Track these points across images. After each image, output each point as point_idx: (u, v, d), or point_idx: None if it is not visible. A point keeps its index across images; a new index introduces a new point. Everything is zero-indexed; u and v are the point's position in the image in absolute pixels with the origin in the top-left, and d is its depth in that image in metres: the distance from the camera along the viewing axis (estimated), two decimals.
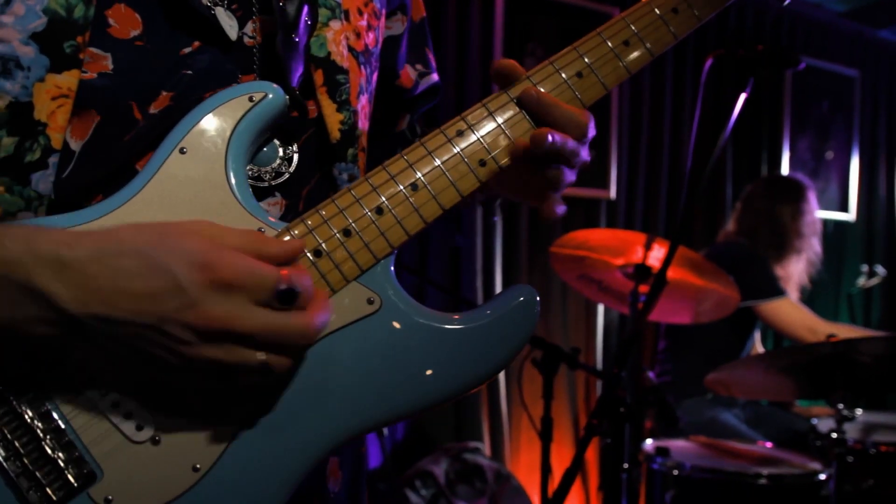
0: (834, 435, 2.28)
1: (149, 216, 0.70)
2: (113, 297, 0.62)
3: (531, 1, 3.98)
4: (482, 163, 0.81)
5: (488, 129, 0.82)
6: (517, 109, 0.83)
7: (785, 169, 4.88)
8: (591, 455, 3.86)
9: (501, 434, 3.68)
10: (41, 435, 0.67)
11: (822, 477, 2.29)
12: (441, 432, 3.47)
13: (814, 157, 5.10)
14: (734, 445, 2.66)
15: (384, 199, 0.77)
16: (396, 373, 0.75)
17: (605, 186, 4.09)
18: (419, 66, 1.10)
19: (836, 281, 5.21)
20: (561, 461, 3.54)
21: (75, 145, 0.72)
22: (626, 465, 2.18)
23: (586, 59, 0.85)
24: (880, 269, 4.64)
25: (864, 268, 4.77)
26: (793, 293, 3.27)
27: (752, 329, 3.21)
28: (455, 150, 0.80)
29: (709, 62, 1.95)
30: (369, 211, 0.77)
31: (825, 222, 5.17)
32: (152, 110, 0.74)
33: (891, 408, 4.24)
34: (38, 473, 0.67)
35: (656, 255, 2.28)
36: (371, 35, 0.94)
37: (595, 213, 4.06)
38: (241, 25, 0.80)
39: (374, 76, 0.96)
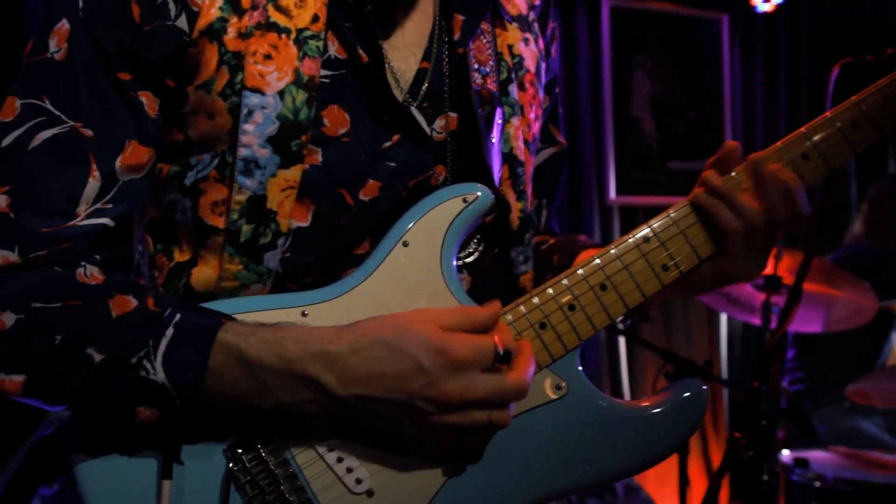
0: None
1: (380, 301, 0.84)
2: (370, 381, 0.77)
3: (637, 12, 4.00)
4: (665, 268, 0.89)
5: (671, 234, 0.91)
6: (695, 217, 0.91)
7: None
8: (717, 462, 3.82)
9: None
10: (280, 480, 0.81)
11: None
12: None
13: None
14: (878, 456, 2.59)
15: (577, 296, 0.87)
16: (579, 451, 0.85)
17: None
18: (541, 144, 1.15)
19: None
20: (692, 473, 3.52)
21: (299, 225, 0.86)
22: (765, 478, 2.18)
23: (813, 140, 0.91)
24: None
25: None
26: None
27: (888, 332, 3.11)
28: (641, 255, 0.89)
29: (835, 71, 1.94)
30: (563, 307, 0.87)
31: None
32: (363, 197, 0.87)
33: None
34: None
35: (786, 266, 2.27)
36: (537, 125, 1.04)
37: None
38: (430, 122, 0.91)
39: (535, 160, 1.06)
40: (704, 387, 0.88)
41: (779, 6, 4.21)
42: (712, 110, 4.15)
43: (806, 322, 2.77)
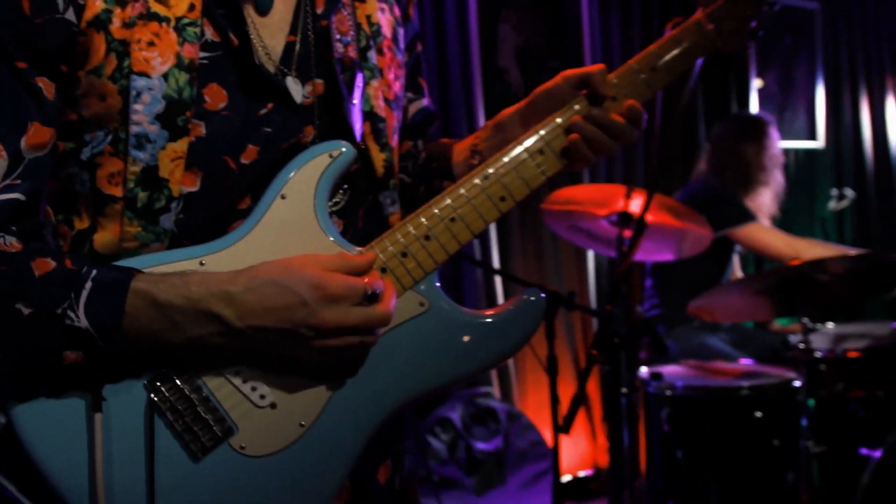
0: (801, 346, 2.58)
1: (265, 247, 0.96)
2: (262, 314, 0.90)
3: None
4: (502, 199, 1.06)
5: (506, 171, 1.07)
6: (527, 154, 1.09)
7: (754, 104, 5.13)
8: (594, 388, 4.18)
9: (509, 377, 3.98)
10: (196, 402, 0.94)
11: (797, 384, 2.59)
12: None
13: (781, 91, 5.34)
14: (719, 365, 2.96)
15: (431, 228, 1.03)
16: (442, 354, 1.02)
17: None
18: (409, 94, 1.30)
19: (809, 206, 5.50)
20: (567, 394, 3.85)
21: (189, 191, 0.97)
22: (624, 391, 2.48)
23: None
24: (849, 192, 4.93)
25: (834, 192, 5.05)
26: (764, 221, 3.55)
27: (729, 257, 3.49)
28: (482, 190, 1.05)
29: (669, 27, 2.17)
30: (420, 238, 1.02)
31: (796, 151, 5.45)
32: (243, 161, 0.99)
33: (865, 318, 4.57)
34: (195, 428, 0.93)
35: (637, 203, 2.53)
36: (398, 84, 1.17)
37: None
38: (301, 86, 1.03)
39: (401, 115, 1.19)
40: (542, 295, 1.06)
41: None
42: (573, 60, 4.36)
43: (659, 252, 3.09)
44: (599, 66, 1.14)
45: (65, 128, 0.95)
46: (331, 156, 1.00)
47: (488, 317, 1.04)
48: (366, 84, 1.09)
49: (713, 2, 1.14)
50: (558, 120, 1.11)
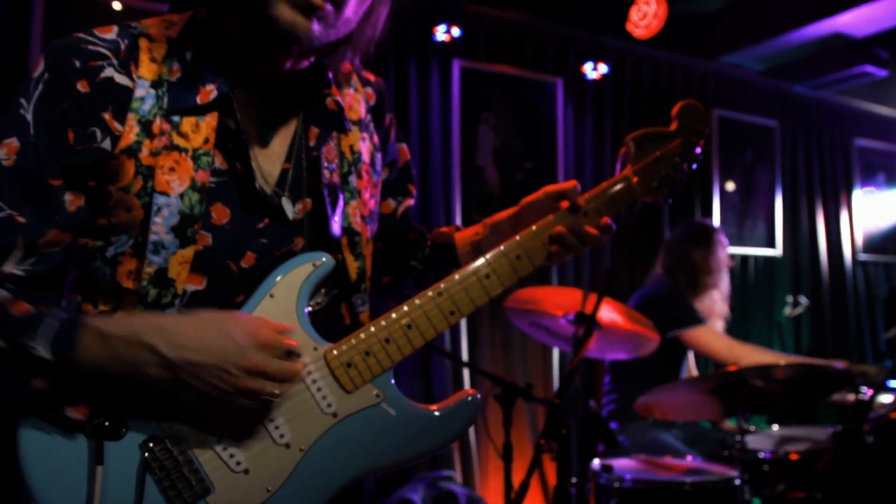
0: (738, 446, 2.76)
1: None
2: (197, 349, 1.05)
3: (484, 73, 4.47)
4: (451, 313, 1.24)
5: (456, 290, 1.24)
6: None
7: (716, 211, 5.44)
8: (553, 476, 4.30)
9: (471, 462, 4.10)
10: (181, 463, 1.10)
11: (738, 482, 2.76)
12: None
13: (742, 200, 5.67)
14: (668, 461, 3.12)
15: (391, 333, 1.21)
16: (393, 439, 1.19)
17: None
18: (399, 197, 1.52)
19: (768, 311, 5.76)
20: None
21: (194, 289, 1.15)
22: (574, 480, 2.63)
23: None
24: (803, 299, 5.20)
25: (789, 298, 5.32)
26: (718, 324, 3.77)
27: (682, 356, 3.68)
28: (435, 304, 1.23)
29: (623, 151, 2.43)
30: (381, 340, 1.20)
31: (755, 258, 5.74)
32: (243, 265, 1.18)
33: (816, 420, 4.75)
34: (179, 485, 1.09)
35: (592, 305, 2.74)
36: (373, 201, 1.36)
37: (547, 271, 4.57)
38: (293, 206, 1.23)
39: (375, 226, 1.38)
40: (479, 396, 1.24)
41: (605, 75, 4.86)
42: (547, 162, 4.66)
43: (613, 351, 3.29)
44: (572, 183, 1.35)
45: (96, 230, 1.14)
46: (314, 265, 1.19)
47: (433, 411, 1.22)
48: (346, 204, 1.28)
49: (642, 161, 1.36)
50: (524, 235, 1.30)
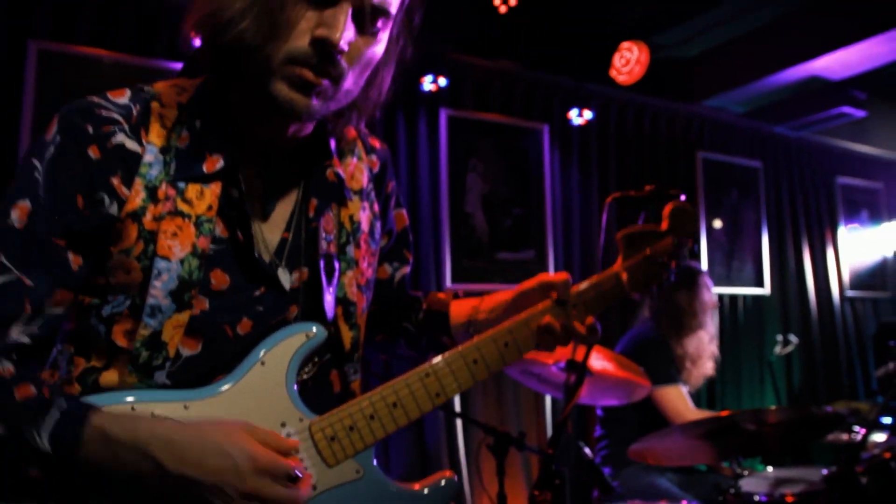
0: (732, 490, 2.75)
1: (240, 404, 1.14)
2: (197, 467, 1.04)
3: (471, 121, 4.54)
4: (437, 395, 1.24)
5: (443, 373, 1.25)
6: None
7: (704, 252, 5.49)
8: None
9: None
10: None
11: None
12: None
13: (728, 241, 5.73)
14: None
15: (376, 410, 1.21)
16: None
17: None
18: (395, 264, 1.54)
19: (758, 351, 5.78)
20: None
21: (189, 353, 1.15)
22: None
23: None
24: (793, 338, 5.22)
25: (779, 337, 5.34)
26: (707, 364, 3.77)
27: None
28: (421, 385, 1.23)
29: (608, 202, 2.47)
30: (366, 417, 1.20)
31: (744, 298, 5.78)
32: (239, 331, 1.18)
33: (805, 461, 4.73)
34: None
35: (584, 353, 2.75)
36: (370, 270, 1.38)
37: None
38: (289, 274, 1.24)
39: (370, 294, 1.40)
40: (455, 478, 1.24)
41: (590, 121, 4.94)
42: (535, 207, 4.71)
43: (606, 397, 3.29)
44: (564, 276, 1.35)
45: (93, 288, 1.15)
46: (307, 336, 1.20)
47: (409, 490, 1.22)
48: (342, 274, 1.30)
49: (632, 258, 1.39)
50: (514, 323, 1.31)
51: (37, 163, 1.11)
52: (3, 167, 3.25)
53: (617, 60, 4.83)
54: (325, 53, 1.08)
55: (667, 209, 1.41)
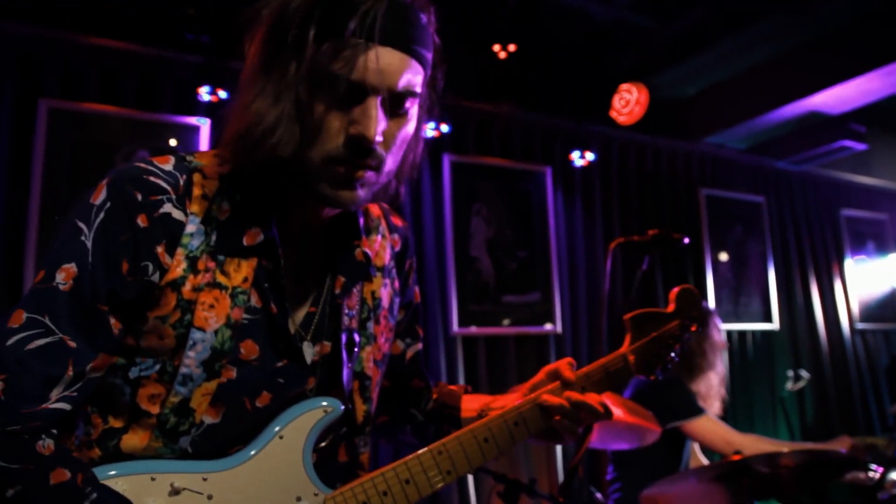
0: None
1: (259, 477, 1.15)
2: None
3: (473, 166, 4.59)
4: (448, 472, 1.25)
5: (455, 451, 1.26)
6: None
7: (710, 289, 5.48)
8: None
9: None
10: None
11: None
12: None
13: (735, 276, 5.72)
14: None
15: (389, 486, 1.21)
16: None
17: (553, 322, 4.62)
18: (408, 340, 1.54)
19: (770, 386, 5.73)
20: None
21: (210, 421, 1.16)
22: None
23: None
24: (804, 373, 5.17)
25: (790, 373, 5.30)
26: (715, 404, 3.74)
27: (684, 444, 3.64)
28: (434, 463, 1.24)
29: (611, 247, 2.49)
30: (379, 493, 1.20)
31: (753, 333, 5.75)
32: (258, 404, 1.19)
33: (822, 501, 4.65)
34: None
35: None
36: (387, 345, 1.39)
37: (545, 346, 4.57)
38: (311, 347, 1.25)
39: (384, 368, 1.41)
40: None
41: (592, 162, 4.98)
42: (540, 249, 4.73)
43: (616, 442, 3.27)
44: (566, 361, 1.36)
45: (122, 348, 1.16)
46: (325, 411, 1.22)
47: None
48: (361, 349, 1.31)
49: (639, 340, 1.41)
50: (524, 403, 1.31)
51: (83, 226, 1.12)
52: (15, 219, 3.31)
53: (617, 102, 4.88)
54: (361, 150, 1.11)
55: (673, 293, 1.44)
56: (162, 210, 1.14)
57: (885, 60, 4.57)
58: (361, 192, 1.15)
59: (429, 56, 1.18)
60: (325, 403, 1.22)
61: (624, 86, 4.85)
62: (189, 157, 1.21)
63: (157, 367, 1.15)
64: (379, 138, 1.11)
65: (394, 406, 1.55)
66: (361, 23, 1.07)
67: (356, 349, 1.31)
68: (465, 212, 4.51)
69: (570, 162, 4.96)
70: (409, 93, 1.14)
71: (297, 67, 1.09)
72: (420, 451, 1.25)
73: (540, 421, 1.31)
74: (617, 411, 2.86)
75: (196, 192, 1.17)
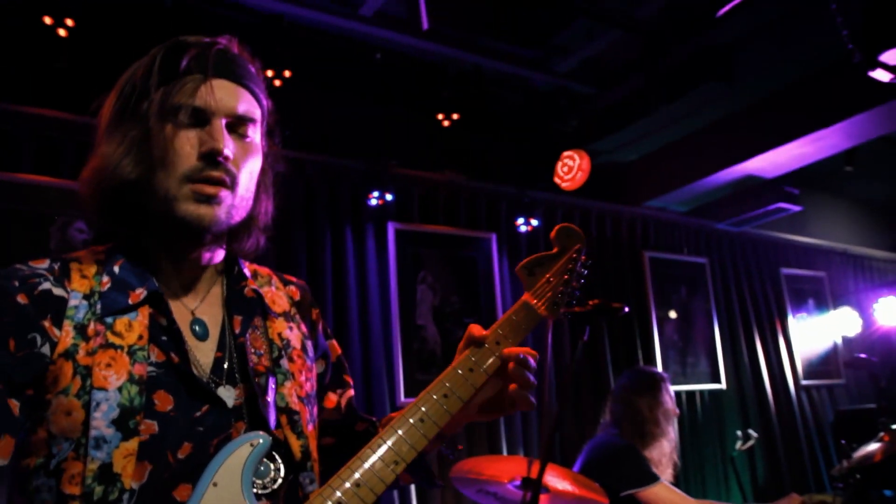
0: None
1: None
2: None
3: (418, 234, 4.58)
4: (395, 462, 1.21)
5: (401, 444, 1.23)
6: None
7: (657, 351, 5.51)
8: None
9: None
10: None
11: None
12: None
13: (681, 338, 5.78)
14: None
15: (340, 494, 1.16)
16: None
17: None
18: (339, 390, 1.55)
19: (720, 446, 5.74)
20: None
21: (136, 485, 1.11)
22: None
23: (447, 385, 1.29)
24: (752, 433, 5.18)
25: (739, 433, 5.32)
26: (668, 471, 3.72)
27: None
28: (377, 457, 1.20)
29: (551, 320, 2.47)
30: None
31: (702, 393, 5.78)
32: (180, 455, 1.15)
33: None
34: None
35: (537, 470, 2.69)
36: (308, 384, 1.39)
37: (497, 439, 4.52)
38: (229, 392, 1.24)
39: (315, 409, 1.40)
40: None
41: (535, 227, 5.02)
42: (486, 316, 4.71)
43: None
44: (474, 325, 1.34)
45: (35, 445, 1.13)
46: (252, 444, 1.18)
47: None
48: (279, 385, 1.31)
49: (535, 284, 1.41)
50: (447, 374, 1.29)
51: None
52: None
53: (559, 168, 4.97)
54: (214, 163, 1.20)
55: (552, 233, 1.46)
56: (41, 288, 1.17)
57: (816, 127, 4.76)
58: (220, 212, 1.21)
59: (262, 98, 1.32)
60: (250, 437, 1.19)
61: (566, 153, 4.95)
62: (64, 256, 1.27)
63: (72, 445, 1.12)
64: (228, 153, 1.21)
65: (346, 456, 1.51)
66: (197, 61, 1.22)
67: (273, 387, 1.30)
68: (410, 280, 4.48)
69: (516, 227, 5.00)
70: (249, 118, 1.27)
71: (145, 109, 1.21)
72: (358, 454, 1.21)
73: (467, 386, 1.27)
74: (566, 485, 2.81)
75: (74, 274, 1.22)
